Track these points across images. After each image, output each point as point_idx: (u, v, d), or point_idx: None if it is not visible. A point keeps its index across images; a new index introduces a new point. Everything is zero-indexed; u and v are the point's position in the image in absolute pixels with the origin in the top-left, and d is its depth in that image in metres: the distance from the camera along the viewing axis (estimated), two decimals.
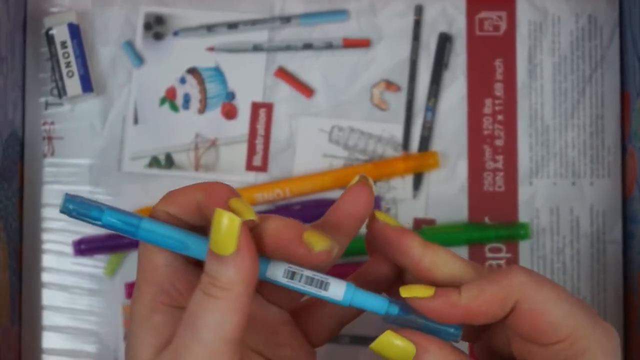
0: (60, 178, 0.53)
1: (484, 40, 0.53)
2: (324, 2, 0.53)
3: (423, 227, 0.52)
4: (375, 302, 0.35)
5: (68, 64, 0.52)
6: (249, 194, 0.52)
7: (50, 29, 0.52)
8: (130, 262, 0.52)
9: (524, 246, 0.52)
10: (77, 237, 0.52)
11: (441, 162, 0.52)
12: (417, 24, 0.53)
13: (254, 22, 0.53)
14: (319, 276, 0.34)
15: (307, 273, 0.34)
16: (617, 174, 0.52)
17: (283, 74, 0.53)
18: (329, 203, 0.51)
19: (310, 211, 0.52)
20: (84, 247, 0.52)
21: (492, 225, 0.52)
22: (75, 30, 0.52)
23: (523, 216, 0.52)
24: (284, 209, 0.52)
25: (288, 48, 0.53)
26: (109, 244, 0.52)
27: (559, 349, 0.34)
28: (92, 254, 0.52)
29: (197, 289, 0.33)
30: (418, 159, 0.52)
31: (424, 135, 0.53)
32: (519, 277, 0.34)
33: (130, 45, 0.53)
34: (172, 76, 0.53)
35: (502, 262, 0.52)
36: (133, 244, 0.52)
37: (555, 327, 0.33)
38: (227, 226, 0.32)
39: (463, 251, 0.52)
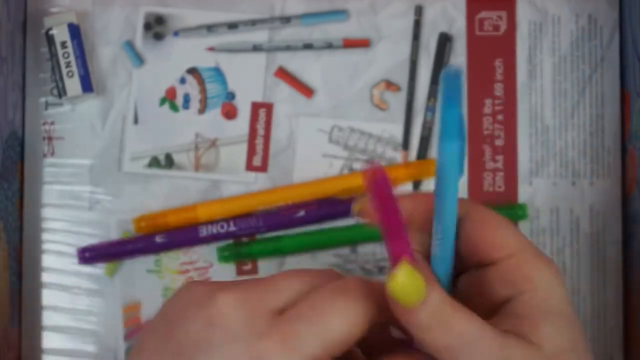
0: (60, 178, 0.53)
1: (484, 40, 0.53)
2: (324, 2, 0.53)
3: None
4: None
5: (68, 64, 0.52)
6: (248, 205, 0.52)
7: (50, 29, 0.52)
8: (130, 263, 0.52)
9: None
10: (76, 238, 0.52)
11: None
12: (417, 24, 0.53)
13: (254, 22, 0.53)
14: None
15: None
16: (617, 174, 0.52)
17: (283, 74, 0.53)
18: (332, 203, 0.51)
19: (313, 214, 0.52)
20: (88, 255, 0.52)
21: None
22: (75, 31, 0.52)
23: None
24: (286, 216, 0.52)
25: (288, 48, 0.53)
26: (113, 251, 0.52)
27: (502, 271, 0.34)
28: (97, 262, 0.52)
29: None
30: (419, 166, 0.52)
31: (424, 135, 0.53)
32: (466, 201, 0.36)
33: (130, 45, 0.53)
34: (172, 76, 0.53)
35: None
36: (137, 251, 0.52)
37: (499, 243, 0.34)
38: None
39: None
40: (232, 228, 0.51)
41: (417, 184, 0.52)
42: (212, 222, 0.52)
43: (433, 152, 0.52)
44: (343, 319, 0.33)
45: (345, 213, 0.52)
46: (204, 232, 0.51)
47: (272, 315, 0.34)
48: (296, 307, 0.34)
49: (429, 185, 0.52)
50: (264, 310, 0.34)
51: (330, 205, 0.52)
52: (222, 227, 0.51)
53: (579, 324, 0.34)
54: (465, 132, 0.31)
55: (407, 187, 0.52)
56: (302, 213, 0.51)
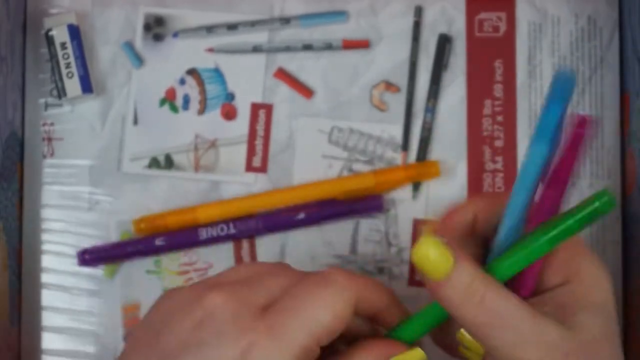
0: (60, 179, 0.53)
1: (484, 41, 0.53)
2: (323, 3, 0.53)
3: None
4: None
5: (68, 65, 0.52)
6: (247, 207, 0.52)
7: (50, 29, 0.52)
8: (130, 264, 0.52)
9: None
10: (75, 239, 0.52)
11: (441, 162, 0.52)
12: (417, 25, 0.53)
13: (253, 23, 0.53)
14: None
15: None
16: (617, 174, 0.52)
17: (283, 74, 0.53)
18: (332, 204, 0.51)
19: (313, 216, 0.52)
20: (88, 257, 0.52)
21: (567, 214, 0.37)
22: (75, 31, 0.52)
23: None
24: (286, 218, 0.52)
25: (288, 49, 0.53)
26: (113, 253, 0.52)
27: (554, 261, 0.36)
28: (97, 264, 0.52)
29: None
30: (419, 167, 0.52)
31: (424, 136, 0.53)
32: None
33: (129, 46, 0.53)
34: (172, 77, 0.53)
35: None
36: (136, 254, 0.52)
37: None
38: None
39: None
40: (232, 231, 0.51)
41: (416, 186, 0.52)
42: (211, 225, 0.52)
43: (433, 152, 0.52)
44: (327, 309, 0.34)
45: (345, 214, 0.52)
46: (203, 234, 0.51)
47: (258, 310, 0.35)
48: (282, 301, 0.35)
49: (428, 187, 0.52)
50: (250, 306, 0.35)
51: (330, 207, 0.52)
52: (221, 229, 0.51)
53: (617, 321, 0.36)
54: (561, 135, 0.32)
55: (407, 189, 0.52)
56: (302, 215, 0.51)
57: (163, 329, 0.35)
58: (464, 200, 0.38)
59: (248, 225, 0.51)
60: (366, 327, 0.38)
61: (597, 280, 0.36)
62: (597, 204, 0.33)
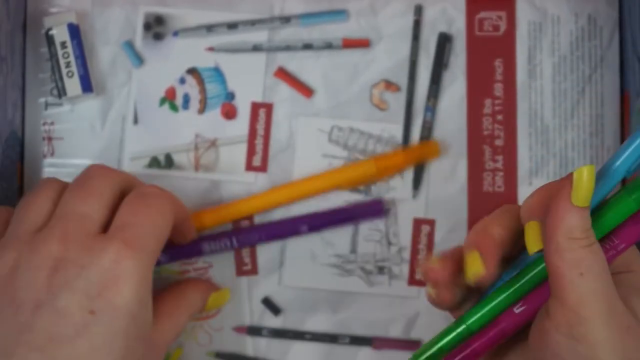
0: (60, 178, 0.53)
1: (484, 41, 0.53)
2: (323, 2, 0.53)
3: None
4: None
5: (68, 64, 0.52)
6: (250, 208, 0.52)
7: (50, 29, 0.52)
8: None
9: None
10: None
11: (440, 162, 0.52)
12: (417, 24, 0.53)
13: (253, 22, 0.53)
14: None
15: None
16: None
17: (283, 74, 0.53)
18: (333, 213, 0.51)
19: (317, 227, 0.52)
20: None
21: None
22: (75, 31, 0.52)
23: None
24: (288, 229, 0.52)
25: (288, 48, 0.53)
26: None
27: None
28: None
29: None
30: (419, 149, 0.52)
31: (424, 135, 0.53)
32: None
33: (130, 45, 0.53)
34: (172, 76, 0.53)
35: None
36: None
37: None
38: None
39: None
40: (235, 244, 0.51)
41: (416, 185, 0.52)
42: (214, 239, 0.51)
43: None
44: (165, 216, 0.44)
45: (348, 220, 0.52)
46: (206, 248, 0.51)
47: (101, 234, 0.42)
48: (122, 218, 0.42)
49: (428, 177, 0.52)
50: (92, 235, 0.41)
51: (333, 215, 0.51)
52: (225, 244, 0.51)
53: None
54: None
55: (407, 180, 0.52)
56: (304, 227, 0.51)
57: (12, 283, 0.40)
58: (490, 219, 0.41)
59: (251, 238, 0.51)
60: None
61: None
62: None
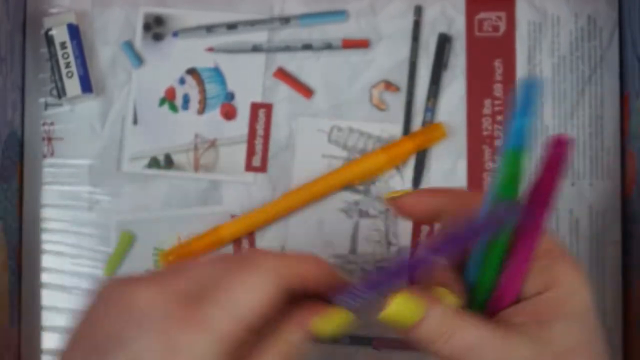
0: (59, 178, 0.53)
1: (484, 41, 0.53)
2: (323, 2, 0.53)
3: None
4: None
5: (67, 65, 0.52)
6: (268, 216, 0.52)
7: (49, 29, 0.52)
8: (130, 263, 0.52)
9: None
10: (75, 239, 0.52)
11: (440, 162, 0.52)
12: (417, 25, 0.53)
13: (253, 23, 0.53)
14: None
15: None
16: (617, 174, 0.52)
17: (282, 74, 0.53)
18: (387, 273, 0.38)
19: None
20: None
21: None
22: (74, 31, 0.52)
23: None
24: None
25: (287, 49, 0.53)
26: None
27: (534, 269, 0.36)
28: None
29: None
30: (424, 132, 0.52)
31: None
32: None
33: (129, 45, 0.53)
34: (172, 77, 0.53)
35: None
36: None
37: None
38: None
39: None
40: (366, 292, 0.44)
41: (417, 177, 0.52)
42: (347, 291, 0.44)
43: (432, 152, 0.52)
44: (251, 294, 0.34)
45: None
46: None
47: (183, 301, 0.34)
48: (205, 289, 0.35)
49: (428, 177, 0.52)
50: (175, 297, 0.34)
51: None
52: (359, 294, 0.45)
53: (597, 328, 0.36)
54: (528, 142, 0.33)
55: (406, 180, 0.52)
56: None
57: (97, 322, 0.36)
58: (425, 190, 0.41)
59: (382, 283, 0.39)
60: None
61: (576, 288, 0.36)
62: None
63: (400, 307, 0.35)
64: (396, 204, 0.40)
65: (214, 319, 0.34)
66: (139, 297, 0.35)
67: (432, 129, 0.52)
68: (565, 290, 0.36)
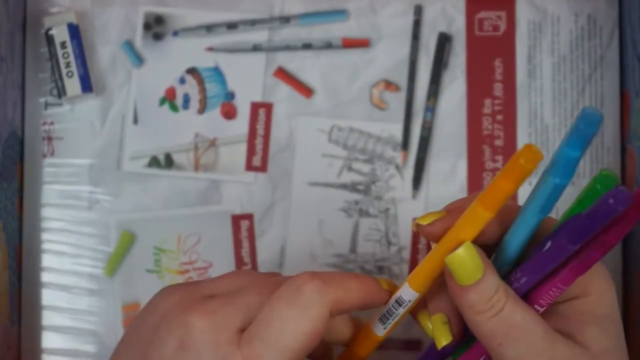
0: (60, 178, 0.53)
1: (484, 40, 0.53)
2: (323, 2, 0.53)
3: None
4: None
5: (68, 64, 0.52)
6: None
7: (49, 29, 0.52)
8: (130, 262, 0.52)
9: None
10: (75, 238, 0.52)
11: (440, 162, 0.52)
12: (417, 24, 0.53)
13: (253, 22, 0.53)
14: None
15: None
16: (617, 173, 0.52)
17: (282, 74, 0.53)
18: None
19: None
20: None
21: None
22: (74, 31, 0.52)
23: None
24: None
25: (287, 48, 0.53)
26: None
27: None
28: None
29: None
30: (516, 160, 0.35)
31: (424, 135, 0.53)
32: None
33: (129, 45, 0.53)
34: (172, 76, 0.53)
35: None
36: None
37: None
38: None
39: None
40: None
41: (416, 185, 0.52)
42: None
43: (432, 152, 0.52)
44: (298, 327, 0.35)
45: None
46: None
47: (237, 336, 0.35)
48: (254, 325, 0.35)
49: (428, 177, 0.52)
50: (230, 332, 0.35)
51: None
52: None
53: (622, 328, 0.36)
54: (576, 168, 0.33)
55: (406, 179, 0.52)
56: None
57: (151, 342, 0.36)
58: (454, 212, 0.37)
59: None
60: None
61: (605, 294, 0.36)
62: (598, 186, 0.34)
63: (467, 253, 0.34)
64: (426, 232, 0.37)
65: (264, 356, 0.34)
66: (194, 327, 0.35)
67: (524, 153, 0.34)
68: (595, 297, 0.36)
